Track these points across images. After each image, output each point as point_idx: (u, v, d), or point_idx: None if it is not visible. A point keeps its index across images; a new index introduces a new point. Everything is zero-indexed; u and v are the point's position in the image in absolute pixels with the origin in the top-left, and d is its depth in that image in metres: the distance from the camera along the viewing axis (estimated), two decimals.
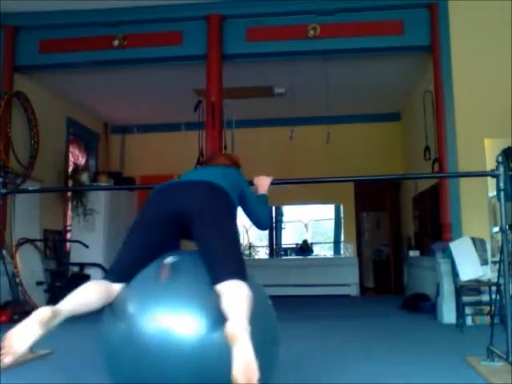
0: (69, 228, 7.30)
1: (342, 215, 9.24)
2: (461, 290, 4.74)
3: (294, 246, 9.48)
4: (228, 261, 2.02)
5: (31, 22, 5.99)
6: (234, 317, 1.77)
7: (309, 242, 9.49)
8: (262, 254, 9.98)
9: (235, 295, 1.87)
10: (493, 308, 4.41)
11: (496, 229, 5.05)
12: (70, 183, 7.13)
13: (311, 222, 9.65)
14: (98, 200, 6.87)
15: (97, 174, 7.48)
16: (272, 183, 2.94)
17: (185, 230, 2.18)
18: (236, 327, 1.73)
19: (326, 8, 5.68)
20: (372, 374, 2.88)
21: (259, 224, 2.72)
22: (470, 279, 4.70)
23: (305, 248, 9.26)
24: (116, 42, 5.91)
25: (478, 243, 4.84)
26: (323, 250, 9.68)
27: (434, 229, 6.12)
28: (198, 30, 5.83)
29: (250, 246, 9.81)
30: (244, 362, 1.66)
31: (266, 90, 7.38)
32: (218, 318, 1.83)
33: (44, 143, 6.51)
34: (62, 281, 6.09)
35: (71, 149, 7.88)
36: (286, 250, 9.60)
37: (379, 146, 8.51)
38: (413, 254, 7.04)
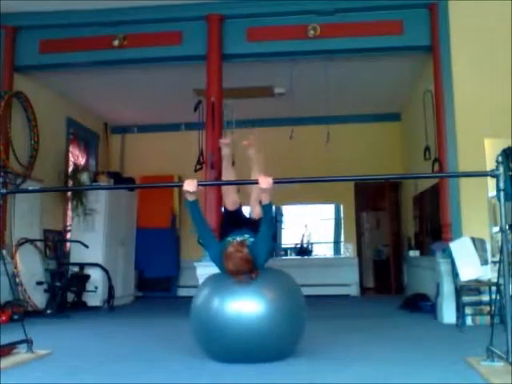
0: (69, 228, 7.30)
1: (341, 215, 9.23)
2: (461, 289, 4.74)
3: (294, 246, 9.48)
4: None
5: (31, 22, 5.99)
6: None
7: (309, 242, 9.48)
8: None
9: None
10: (493, 308, 4.41)
11: (496, 229, 5.04)
12: (70, 183, 7.13)
13: (311, 222, 9.64)
14: (98, 200, 6.88)
15: (97, 174, 7.48)
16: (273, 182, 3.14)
17: None
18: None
19: (325, 8, 5.68)
20: (372, 373, 2.88)
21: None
22: (469, 279, 4.71)
23: (304, 250, 9.27)
24: (116, 42, 5.91)
25: (478, 243, 4.84)
26: (323, 250, 9.67)
27: (434, 229, 6.12)
28: (198, 30, 5.83)
29: None
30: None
31: (266, 90, 7.37)
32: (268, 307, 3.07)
33: (44, 143, 6.51)
34: (62, 281, 6.09)
35: (71, 149, 7.88)
36: (285, 250, 9.59)
37: (379, 145, 8.50)
38: (413, 254, 7.03)
